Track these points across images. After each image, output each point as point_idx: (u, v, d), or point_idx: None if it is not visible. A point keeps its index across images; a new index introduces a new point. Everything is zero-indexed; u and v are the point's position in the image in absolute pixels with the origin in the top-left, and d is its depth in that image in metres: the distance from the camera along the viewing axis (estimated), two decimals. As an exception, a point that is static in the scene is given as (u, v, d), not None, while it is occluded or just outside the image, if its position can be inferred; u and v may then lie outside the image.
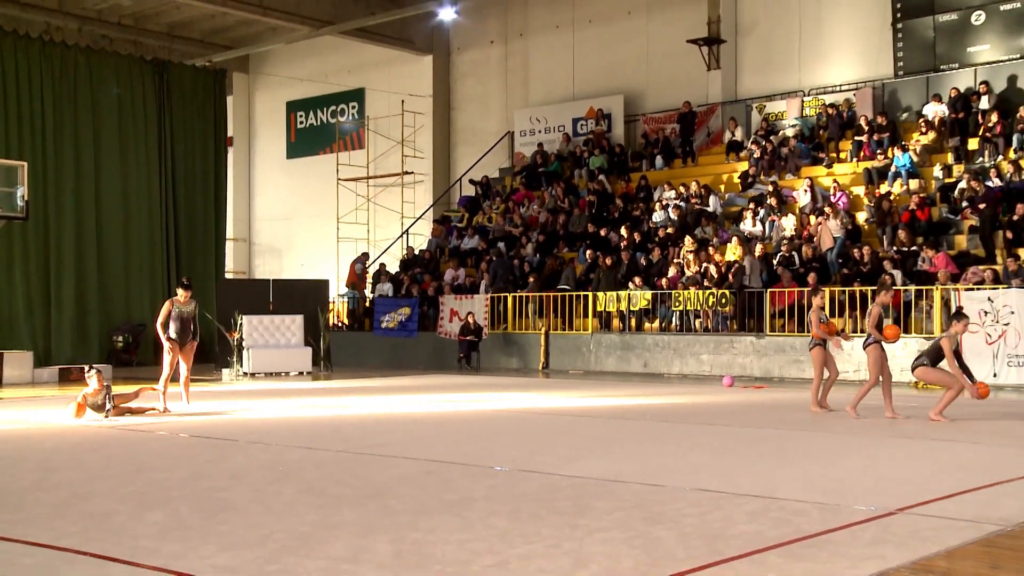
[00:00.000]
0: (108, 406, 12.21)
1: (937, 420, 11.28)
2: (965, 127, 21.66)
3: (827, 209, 20.52)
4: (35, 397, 16.16)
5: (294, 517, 6.26)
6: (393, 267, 27.88)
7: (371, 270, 28.01)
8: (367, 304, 26.64)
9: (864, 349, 12.26)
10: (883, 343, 12.03)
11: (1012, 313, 16.32)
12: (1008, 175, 20.00)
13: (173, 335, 13.54)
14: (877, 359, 11.91)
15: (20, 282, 24.44)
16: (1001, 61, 22.46)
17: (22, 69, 24.87)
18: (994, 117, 21.30)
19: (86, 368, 12.86)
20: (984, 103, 21.95)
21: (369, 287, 27.38)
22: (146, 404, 13.03)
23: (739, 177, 24.17)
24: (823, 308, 12.88)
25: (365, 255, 28.56)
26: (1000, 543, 5.59)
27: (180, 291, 13.88)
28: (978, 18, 22.65)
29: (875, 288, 18.40)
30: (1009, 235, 18.68)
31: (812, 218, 20.98)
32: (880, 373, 11.95)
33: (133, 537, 5.77)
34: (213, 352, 22.69)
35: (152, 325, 14.05)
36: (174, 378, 13.63)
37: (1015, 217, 18.76)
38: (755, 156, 24.04)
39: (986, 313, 16.58)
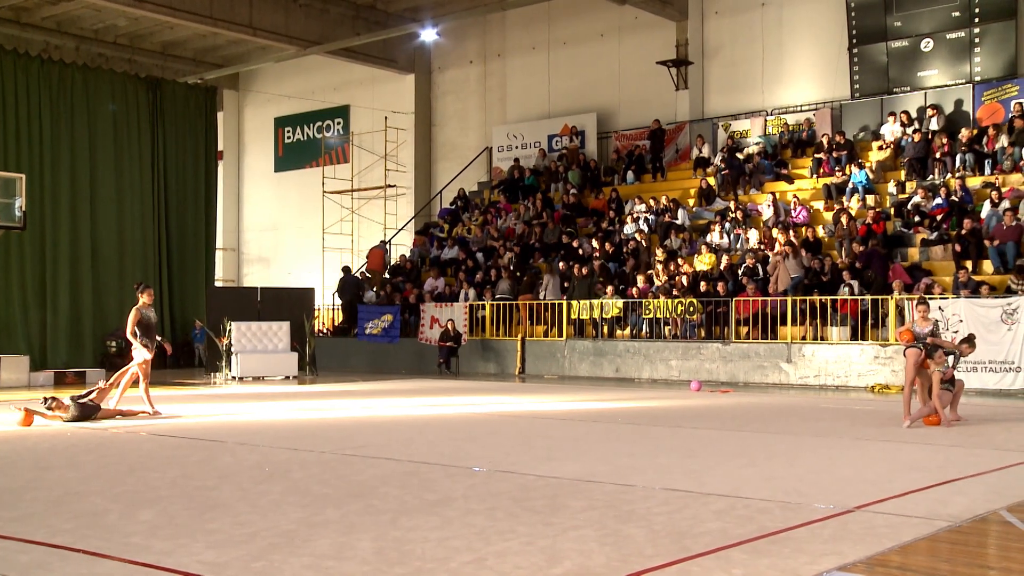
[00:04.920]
0: (76, 408, 12.00)
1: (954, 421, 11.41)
2: (924, 161, 21.76)
3: (785, 247, 20.02)
4: (31, 400, 15.97)
5: (280, 516, 6.22)
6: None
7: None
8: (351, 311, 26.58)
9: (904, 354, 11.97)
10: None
11: (961, 321, 16.46)
12: (955, 191, 20.23)
13: (147, 341, 12.95)
14: (914, 363, 11.75)
15: (17, 289, 24.28)
16: (948, 85, 22.72)
17: (21, 86, 24.75)
18: (943, 138, 21.57)
19: (45, 401, 12.20)
20: (934, 124, 22.21)
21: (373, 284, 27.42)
22: (136, 408, 12.92)
23: (697, 193, 24.25)
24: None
25: (384, 242, 28.75)
26: (950, 538, 5.63)
27: (146, 295, 13.14)
28: (927, 45, 22.89)
29: (835, 297, 18.58)
30: (958, 248, 18.85)
31: (775, 231, 21.11)
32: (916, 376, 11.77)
33: (125, 535, 5.72)
34: (203, 357, 22.59)
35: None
36: (130, 383, 13.09)
37: (963, 231, 18.94)
38: (722, 172, 24.18)
39: (937, 321, 16.69)
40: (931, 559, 5.21)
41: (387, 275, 27.30)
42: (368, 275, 27.68)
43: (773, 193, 22.79)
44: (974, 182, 20.65)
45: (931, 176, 21.40)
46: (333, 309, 28.20)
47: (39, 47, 27.70)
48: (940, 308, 16.74)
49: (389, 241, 29.12)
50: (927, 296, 17.13)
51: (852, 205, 21.44)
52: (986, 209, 19.47)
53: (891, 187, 21.66)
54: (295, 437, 10.61)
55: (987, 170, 20.92)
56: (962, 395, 11.79)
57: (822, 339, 18.55)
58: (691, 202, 24.28)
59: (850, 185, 21.93)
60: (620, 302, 21.05)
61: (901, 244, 20.13)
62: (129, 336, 13.05)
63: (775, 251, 20.11)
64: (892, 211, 20.95)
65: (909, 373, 11.66)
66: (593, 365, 21.08)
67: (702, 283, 20.38)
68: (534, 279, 23.38)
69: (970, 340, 11.97)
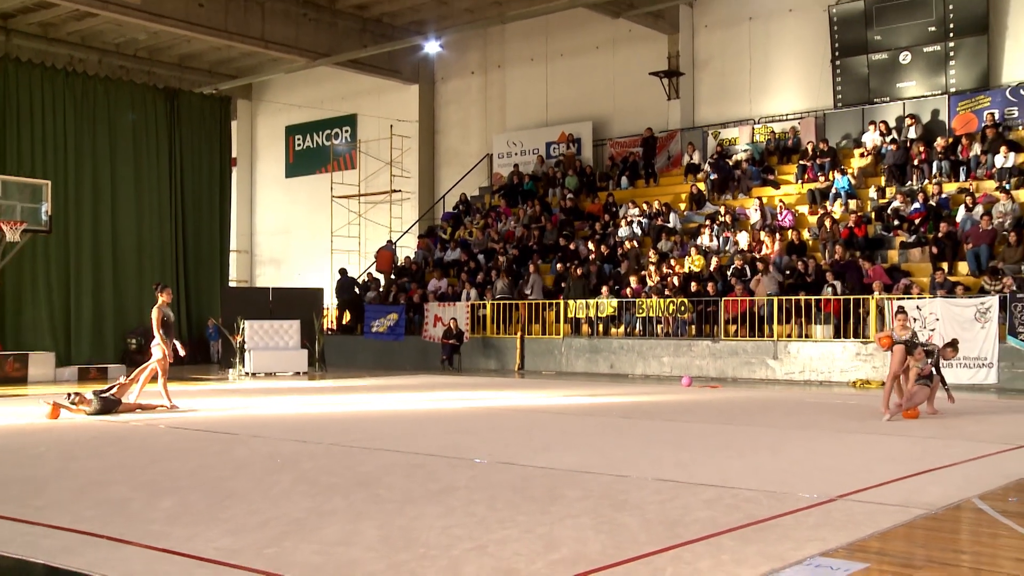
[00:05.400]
0: (98, 402, 12.02)
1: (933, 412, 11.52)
2: (903, 167, 21.79)
3: (759, 264, 20.00)
4: (57, 394, 15.99)
5: (291, 504, 6.23)
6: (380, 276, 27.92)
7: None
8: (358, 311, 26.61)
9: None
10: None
11: (937, 320, 16.50)
12: (932, 196, 20.27)
13: (168, 339, 12.94)
14: (901, 360, 11.80)
15: (43, 289, 24.37)
16: (925, 96, 22.74)
17: (47, 97, 24.86)
18: (921, 146, 21.62)
19: (69, 396, 12.18)
20: (912, 133, 22.25)
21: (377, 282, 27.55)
22: (155, 402, 12.93)
23: (688, 197, 24.25)
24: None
25: (390, 242, 28.91)
26: (926, 525, 5.65)
27: (165, 295, 13.08)
28: (905, 58, 22.92)
29: (818, 297, 18.60)
30: (935, 250, 18.88)
31: (762, 234, 21.16)
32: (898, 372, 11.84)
33: (146, 522, 5.73)
34: (219, 353, 22.62)
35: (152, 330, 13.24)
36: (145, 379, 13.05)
37: (940, 234, 18.98)
38: (711, 177, 24.21)
39: (915, 320, 16.73)
40: (908, 544, 5.23)
41: (393, 276, 27.32)
42: (378, 274, 27.76)
43: (760, 198, 22.82)
44: (950, 188, 20.67)
45: (909, 182, 21.42)
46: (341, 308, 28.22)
47: (64, 60, 27.78)
48: (918, 307, 16.77)
49: (395, 242, 29.17)
50: (905, 296, 17.20)
51: (835, 209, 21.46)
52: (961, 213, 19.52)
53: (872, 192, 21.68)
54: (305, 430, 10.62)
55: (962, 176, 20.95)
56: (938, 390, 11.80)
57: (806, 337, 18.57)
58: (682, 206, 24.29)
59: (833, 190, 21.96)
60: (615, 301, 21.07)
61: (881, 246, 20.16)
62: (157, 333, 12.96)
63: (756, 276, 19.91)
64: (873, 215, 20.97)
65: (895, 368, 11.68)
66: (589, 361, 21.09)
67: (693, 283, 20.39)
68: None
69: (954, 344, 12.03)
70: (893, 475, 7.29)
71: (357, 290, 26.93)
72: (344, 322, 26.74)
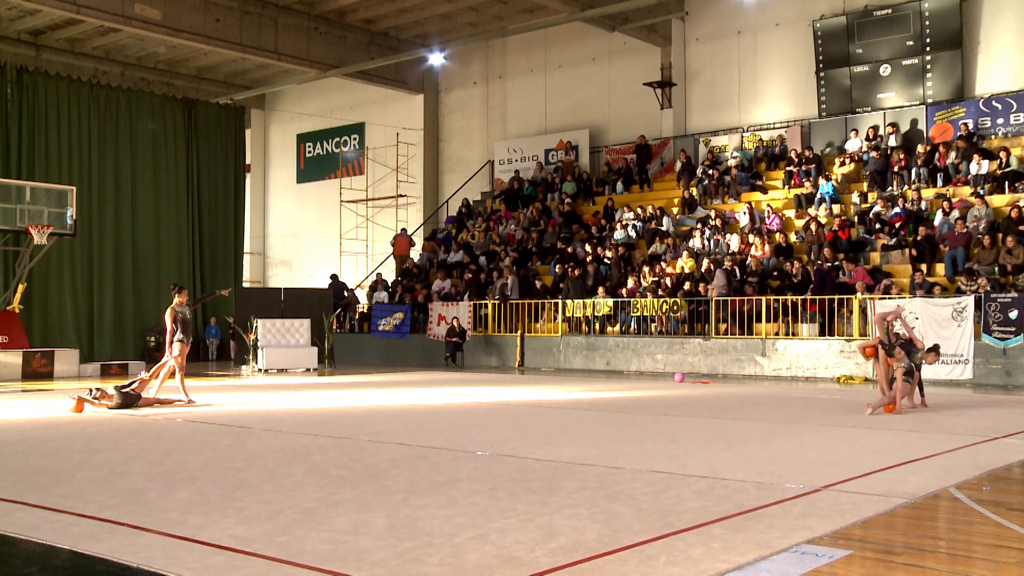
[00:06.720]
0: (119, 397, 12.01)
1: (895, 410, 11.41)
2: (884, 174, 21.80)
3: (711, 265, 20.10)
4: (80, 388, 15.96)
5: (301, 495, 6.22)
6: (388, 277, 27.91)
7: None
8: (365, 309, 26.60)
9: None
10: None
11: (916, 319, 16.48)
12: (912, 201, 20.26)
13: (181, 336, 12.86)
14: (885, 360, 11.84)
15: (68, 290, 24.43)
16: (904, 106, 22.75)
17: (73, 108, 24.98)
18: (900, 154, 21.62)
19: (91, 391, 12.20)
20: (892, 141, 22.24)
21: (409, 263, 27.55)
22: (173, 396, 12.92)
23: (679, 202, 24.26)
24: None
25: (404, 230, 28.97)
26: (906, 514, 5.64)
27: (181, 296, 12.98)
28: (885, 70, 22.93)
29: (804, 297, 18.58)
30: (914, 252, 18.87)
31: (751, 236, 21.17)
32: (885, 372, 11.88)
33: (163, 511, 5.72)
34: (214, 352, 22.66)
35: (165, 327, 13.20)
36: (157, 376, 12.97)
37: (919, 237, 18.97)
38: (703, 183, 24.20)
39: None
40: (888, 532, 5.22)
41: (399, 277, 27.31)
42: (392, 260, 27.86)
43: (749, 202, 22.82)
44: (928, 193, 20.67)
45: (890, 188, 21.43)
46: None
47: (89, 73, 27.90)
48: (899, 306, 16.72)
49: (406, 232, 29.16)
50: (885, 296, 17.18)
51: (820, 214, 21.46)
52: (939, 218, 19.52)
53: (855, 197, 21.68)
54: (315, 424, 10.60)
55: (939, 182, 20.95)
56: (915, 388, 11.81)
57: (793, 335, 18.57)
58: (675, 210, 24.28)
59: (818, 195, 21.95)
60: (610, 301, 21.05)
61: (864, 249, 20.15)
62: (168, 333, 12.95)
63: (709, 287, 19.92)
64: (856, 219, 20.96)
65: (884, 369, 11.78)
66: (586, 359, 21.08)
67: (686, 283, 20.38)
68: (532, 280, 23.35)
69: (935, 350, 11.98)
70: (875, 466, 7.28)
71: (347, 294, 27.15)
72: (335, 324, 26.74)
